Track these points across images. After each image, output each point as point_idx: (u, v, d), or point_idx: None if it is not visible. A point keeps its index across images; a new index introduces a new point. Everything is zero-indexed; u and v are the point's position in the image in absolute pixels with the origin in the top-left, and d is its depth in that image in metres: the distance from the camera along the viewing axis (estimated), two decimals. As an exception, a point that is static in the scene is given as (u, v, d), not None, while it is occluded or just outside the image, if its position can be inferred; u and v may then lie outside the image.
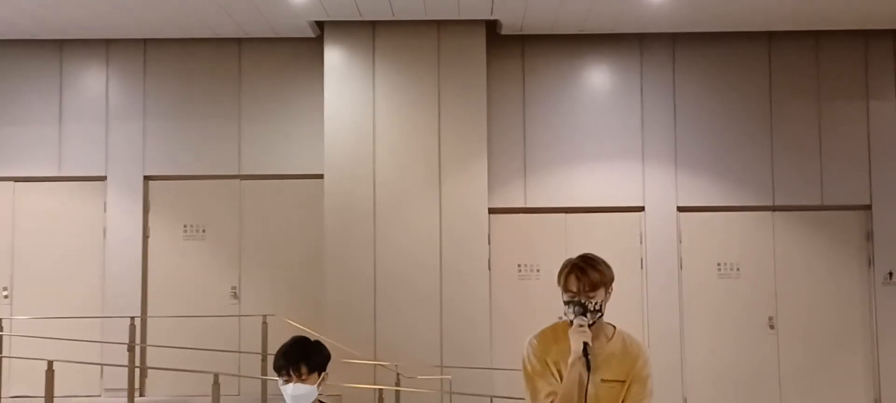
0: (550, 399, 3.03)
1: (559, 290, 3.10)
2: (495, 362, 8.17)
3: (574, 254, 3.19)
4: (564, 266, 3.11)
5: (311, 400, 3.13)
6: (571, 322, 3.04)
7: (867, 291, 8.59)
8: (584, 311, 3.02)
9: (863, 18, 8.32)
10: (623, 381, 3.07)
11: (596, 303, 3.05)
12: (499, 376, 8.12)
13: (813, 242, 8.66)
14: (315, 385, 3.13)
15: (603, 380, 3.04)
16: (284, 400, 3.15)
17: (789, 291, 8.61)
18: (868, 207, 8.63)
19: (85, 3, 7.72)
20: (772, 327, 8.58)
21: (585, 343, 2.97)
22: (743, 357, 8.54)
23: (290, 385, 3.11)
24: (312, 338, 3.25)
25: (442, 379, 7.76)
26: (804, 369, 8.53)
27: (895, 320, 8.50)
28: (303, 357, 3.13)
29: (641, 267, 8.60)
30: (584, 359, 2.98)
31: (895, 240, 8.56)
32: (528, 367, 3.11)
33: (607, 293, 3.09)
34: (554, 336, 3.14)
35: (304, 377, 3.11)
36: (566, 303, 3.06)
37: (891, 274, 8.53)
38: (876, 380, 8.50)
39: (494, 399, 7.73)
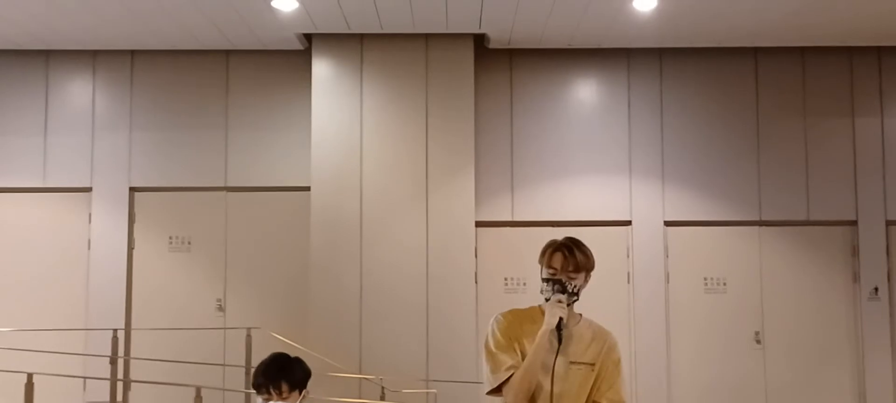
0: (510, 373, 2.96)
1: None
2: (482, 375, 8.11)
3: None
4: (550, 244, 3.09)
5: None
6: (548, 299, 3.01)
7: (853, 306, 8.61)
8: (563, 290, 3.00)
9: (848, 35, 8.38)
10: (592, 365, 3.02)
11: (575, 286, 3.03)
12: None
13: (799, 257, 8.68)
14: None
15: (572, 363, 3.00)
16: None
17: (776, 306, 8.62)
18: (854, 223, 8.66)
19: (71, 15, 7.69)
20: (758, 342, 8.58)
21: (561, 318, 2.94)
22: (729, 371, 8.54)
23: None
24: (292, 355, 3.21)
25: (428, 393, 7.72)
26: (791, 384, 8.53)
27: (881, 335, 8.52)
28: (283, 374, 3.09)
29: (628, 281, 8.59)
30: (556, 333, 2.94)
31: (881, 256, 8.59)
32: (491, 341, 3.06)
33: (587, 279, 3.08)
34: (525, 315, 3.10)
35: (284, 395, 3.06)
36: (545, 280, 3.03)
37: (876, 289, 8.55)
38: (862, 396, 8.51)
39: (480, 414, 7.70)
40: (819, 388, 8.52)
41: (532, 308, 3.13)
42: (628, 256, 8.61)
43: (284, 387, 3.09)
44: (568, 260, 3.04)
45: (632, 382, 8.44)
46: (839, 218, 8.65)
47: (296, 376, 3.14)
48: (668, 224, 8.66)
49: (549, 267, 3.05)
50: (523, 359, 2.99)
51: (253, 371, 3.15)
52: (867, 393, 8.47)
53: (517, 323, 3.07)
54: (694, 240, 8.67)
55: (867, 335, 8.51)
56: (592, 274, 3.11)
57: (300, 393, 3.13)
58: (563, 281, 3.01)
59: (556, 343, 2.95)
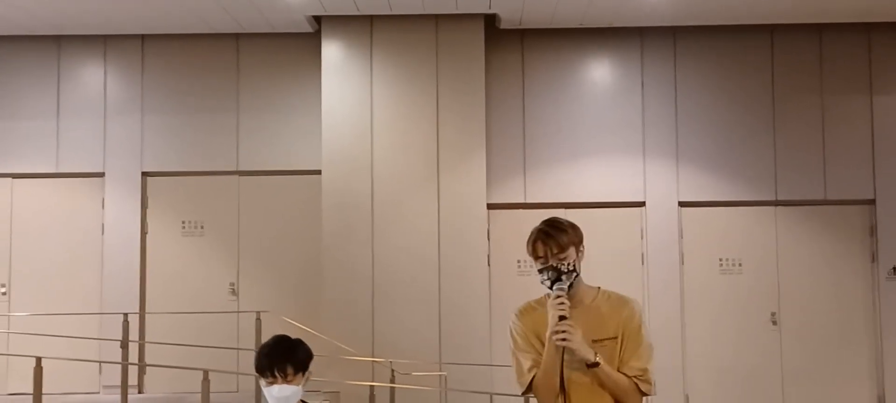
0: (533, 373, 2.99)
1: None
2: (495, 358, 8.11)
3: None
4: (531, 234, 3.02)
5: (296, 401, 3.06)
6: (550, 287, 2.96)
7: (871, 286, 8.50)
8: (558, 275, 2.94)
9: (866, 11, 8.23)
10: (615, 338, 2.98)
11: (569, 264, 2.95)
12: (498, 372, 8.06)
13: (816, 237, 8.57)
14: (300, 386, 3.05)
15: (594, 341, 2.95)
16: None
17: (792, 287, 8.52)
18: (872, 202, 8.53)
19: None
20: (774, 323, 8.50)
21: (562, 316, 2.89)
22: (745, 353, 8.46)
23: (276, 387, 3.03)
24: (295, 336, 3.18)
25: (440, 376, 7.71)
26: (807, 365, 8.45)
27: (899, 316, 8.42)
28: (287, 357, 3.04)
29: (642, 263, 8.53)
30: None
31: (899, 235, 8.47)
32: (512, 343, 3.09)
33: (579, 252, 3.00)
34: (538, 306, 3.08)
35: (289, 378, 3.03)
36: (540, 271, 2.99)
37: (895, 268, 8.43)
38: (880, 376, 8.42)
39: (494, 397, 7.67)
40: (836, 369, 8.43)
41: (543, 296, 3.09)
42: (642, 237, 8.54)
43: (289, 370, 3.04)
44: (549, 245, 2.95)
45: (646, 364, 8.38)
46: (857, 197, 8.54)
47: (299, 358, 3.09)
48: (682, 204, 8.57)
49: (536, 257, 2.98)
50: (539, 343, 3.01)
51: (256, 354, 3.12)
52: (885, 374, 8.38)
53: (530, 319, 3.07)
54: (709, 221, 8.58)
55: (885, 315, 8.41)
56: (582, 246, 3.03)
57: (303, 375, 3.09)
58: (555, 265, 2.94)
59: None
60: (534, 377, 2.98)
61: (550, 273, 2.94)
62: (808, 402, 8.40)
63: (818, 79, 8.62)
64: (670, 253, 8.50)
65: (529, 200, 8.56)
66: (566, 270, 2.95)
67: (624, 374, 2.97)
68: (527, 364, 3.00)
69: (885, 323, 8.40)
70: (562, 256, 2.94)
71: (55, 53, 8.75)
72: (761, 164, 8.56)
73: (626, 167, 8.57)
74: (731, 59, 8.66)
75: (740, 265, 8.55)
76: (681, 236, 8.56)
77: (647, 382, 2.99)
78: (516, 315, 3.10)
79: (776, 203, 8.59)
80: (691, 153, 8.58)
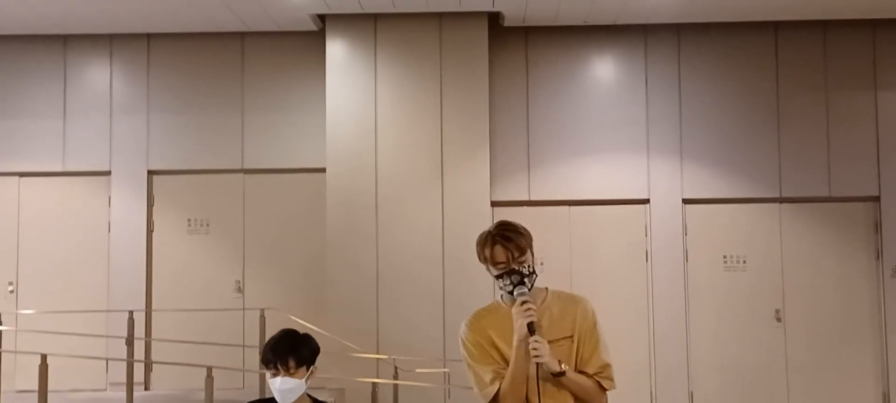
0: (497, 385, 2.91)
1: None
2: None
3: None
4: (484, 241, 2.96)
5: (299, 395, 3.09)
6: (511, 292, 2.91)
7: (875, 283, 8.50)
8: (521, 279, 2.90)
9: (871, 7, 8.22)
10: (570, 337, 2.95)
11: (528, 267, 2.92)
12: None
13: (820, 234, 8.57)
14: (303, 380, 3.08)
15: (549, 342, 2.90)
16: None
17: (796, 284, 8.52)
18: (877, 199, 8.53)
19: (87, -2, 7.73)
20: (778, 320, 8.51)
21: (530, 323, 2.83)
22: (749, 350, 8.47)
23: (278, 379, 3.07)
24: (302, 332, 3.20)
25: (444, 373, 7.74)
26: (811, 362, 8.45)
27: (904, 313, 8.41)
28: (291, 350, 3.08)
29: (646, 260, 8.54)
30: (530, 337, 2.85)
31: (904, 232, 8.46)
32: (466, 355, 3.01)
33: (532, 254, 2.97)
34: (488, 313, 3.02)
35: (292, 371, 3.06)
36: (498, 277, 2.93)
37: (899, 266, 8.43)
38: (884, 374, 8.41)
39: (497, 393, 7.69)
40: (840, 366, 8.43)
41: (491, 303, 3.06)
42: (646, 235, 8.55)
43: (292, 364, 3.08)
44: (509, 248, 2.90)
45: (650, 361, 8.40)
46: (861, 194, 8.53)
47: (303, 353, 3.13)
48: (686, 202, 8.58)
49: (496, 263, 2.92)
50: (497, 351, 2.95)
51: (263, 346, 3.15)
52: (889, 371, 8.37)
53: (480, 326, 3.01)
54: (713, 218, 8.59)
55: (889, 312, 8.40)
56: (533, 247, 2.98)
57: (308, 370, 3.12)
58: (517, 269, 2.90)
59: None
60: (498, 388, 2.91)
61: (513, 276, 2.90)
62: (813, 399, 8.41)
63: (822, 75, 8.62)
64: (674, 250, 8.51)
65: (533, 197, 8.58)
66: (527, 273, 2.91)
67: (585, 373, 2.94)
68: (487, 375, 2.93)
69: (890, 320, 8.39)
70: (522, 259, 2.91)
71: (61, 52, 8.80)
72: (765, 161, 8.56)
73: (630, 164, 8.58)
74: (735, 56, 8.66)
75: (744, 262, 8.56)
76: (685, 233, 8.56)
77: (609, 378, 2.96)
78: (466, 326, 3.02)
79: (780, 200, 8.59)
80: (695, 150, 8.59)
